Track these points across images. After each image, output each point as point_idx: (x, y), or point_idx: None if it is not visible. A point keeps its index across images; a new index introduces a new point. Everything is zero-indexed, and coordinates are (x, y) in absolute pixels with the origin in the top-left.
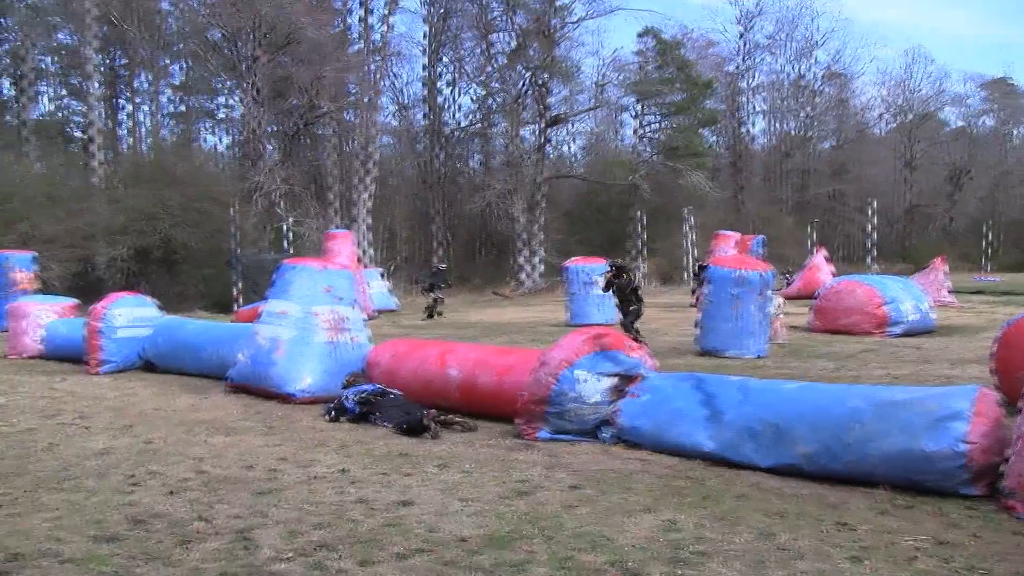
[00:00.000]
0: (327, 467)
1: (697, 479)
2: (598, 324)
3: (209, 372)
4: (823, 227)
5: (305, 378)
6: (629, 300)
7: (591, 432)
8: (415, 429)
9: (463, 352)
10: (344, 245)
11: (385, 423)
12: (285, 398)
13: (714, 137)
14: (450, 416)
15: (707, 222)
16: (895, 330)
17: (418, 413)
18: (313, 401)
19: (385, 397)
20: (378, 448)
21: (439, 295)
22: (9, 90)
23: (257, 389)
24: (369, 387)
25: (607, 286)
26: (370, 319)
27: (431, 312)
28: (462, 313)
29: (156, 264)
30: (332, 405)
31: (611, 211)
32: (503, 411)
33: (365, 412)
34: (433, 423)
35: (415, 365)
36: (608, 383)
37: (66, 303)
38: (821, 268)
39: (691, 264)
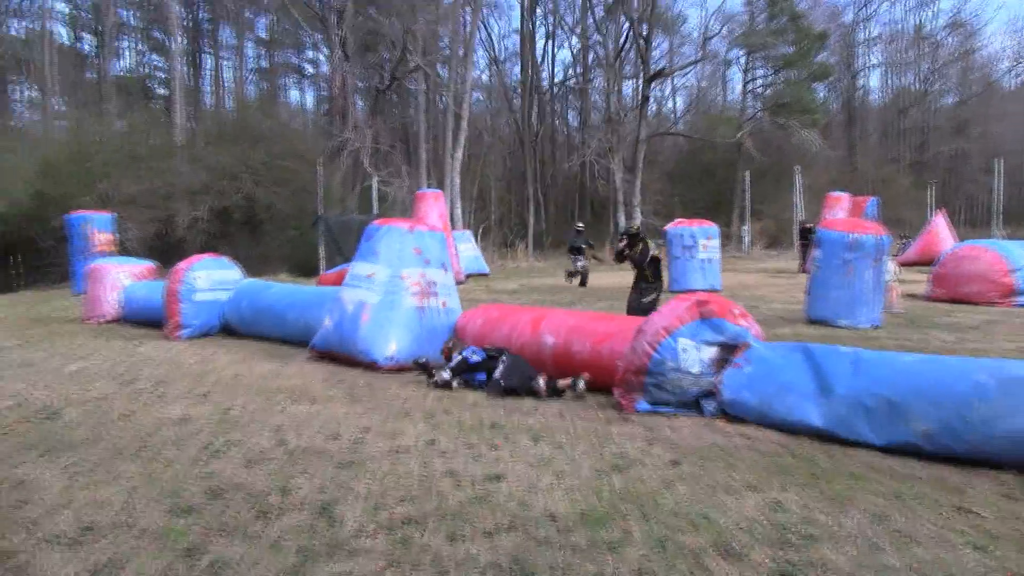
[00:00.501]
0: (413, 438)
1: (806, 457)
2: (700, 290)
3: (292, 338)
4: (943, 188)
5: (391, 345)
6: (645, 277)
7: (692, 405)
8: (519, 391)
9: (558, 318)
10: (434, 206)
11: (500, 380)
12: (371, 365)
13: (826, 92)
14: (561, 381)
15: (818, 183)
16: (1023, 300)
17: (531, 375)
18: (400, 369)
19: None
20: (467, 419)
21: (584, 262)
22: (90, 46)
23: (341, 356)
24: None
25: (619, 257)
26: (460, 283)
27: (575, 275)
28: (557, 278)
29: (238, 225)
30: (442, 367)
31: (716, 171)
32: (599, 381)
33: (493, 357)
34: (544, 384)
35: (507, 332)
36: (711, 352)
37: (145, 265)
38: (941, 232)
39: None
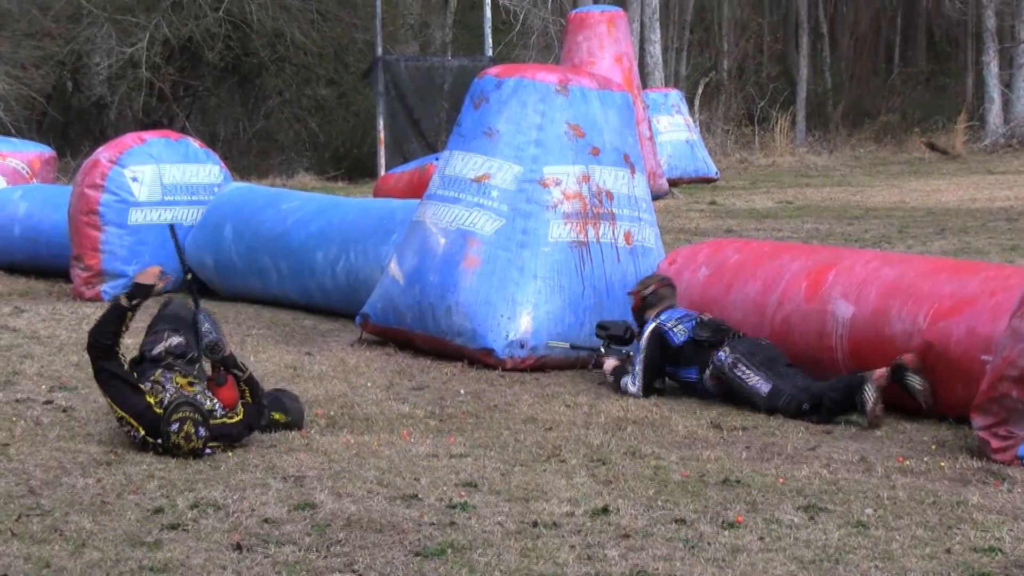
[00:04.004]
0: (567, 504)
1: None
2: None
3: (323, 300)
4: None
5: (523, 318)
6: None
7: None
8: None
9: (860, 267)
10: (608, 40)
11: (761, 382)
12: (481, 356)
13: None
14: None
15: None
16: None
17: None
18: (538, 365)
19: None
20: (673, 466)
21: None
22: None
23: (422, 337)
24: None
25: None
26: (660, 197)
27: None
28: (852, 187)
29: (215, 76)
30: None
31: None
32: (942, 395)
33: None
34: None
35: (756, 293)
36: None
37: (32, 153)
38: None
39: None
